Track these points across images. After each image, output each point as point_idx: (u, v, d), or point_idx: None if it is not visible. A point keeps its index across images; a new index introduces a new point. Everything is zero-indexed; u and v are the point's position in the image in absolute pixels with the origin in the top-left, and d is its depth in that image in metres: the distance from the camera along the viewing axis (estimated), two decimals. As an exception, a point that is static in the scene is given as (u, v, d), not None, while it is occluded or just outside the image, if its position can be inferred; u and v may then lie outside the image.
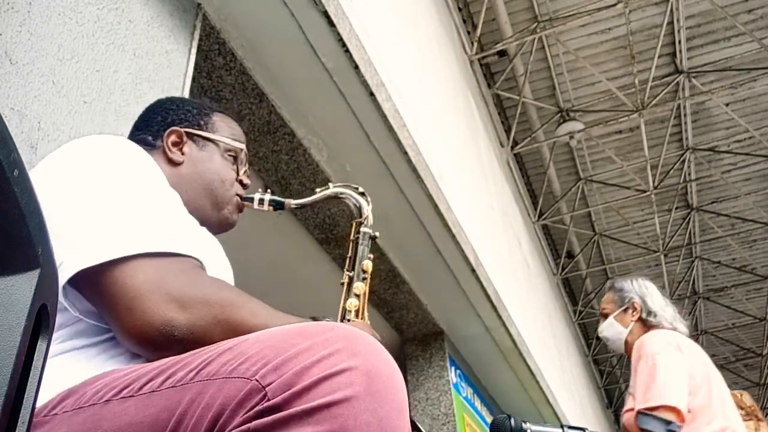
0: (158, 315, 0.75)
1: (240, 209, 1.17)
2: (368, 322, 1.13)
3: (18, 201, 0.39)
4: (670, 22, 6.06)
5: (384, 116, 2.55)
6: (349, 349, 0.60)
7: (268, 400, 0.57)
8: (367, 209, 1.28)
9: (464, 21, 5.89)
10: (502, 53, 6.17)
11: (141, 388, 0.65)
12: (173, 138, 1.10)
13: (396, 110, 2.66)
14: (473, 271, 3.54)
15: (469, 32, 5.95)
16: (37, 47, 1.29)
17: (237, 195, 1.16)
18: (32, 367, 0.41)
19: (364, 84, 2.40)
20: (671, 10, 5.89)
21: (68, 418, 0.67)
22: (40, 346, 0.42)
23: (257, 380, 0.58)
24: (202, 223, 1.06)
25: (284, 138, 2.52)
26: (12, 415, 0.38)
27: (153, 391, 0.64)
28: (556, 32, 6.09)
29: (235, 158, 1.16)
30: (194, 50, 1.88)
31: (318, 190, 1.29)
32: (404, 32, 3.55)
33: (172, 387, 0.63)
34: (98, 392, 0.68)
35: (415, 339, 4.11)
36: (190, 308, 0.77)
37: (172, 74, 1.74)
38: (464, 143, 4.61)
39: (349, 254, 1.22)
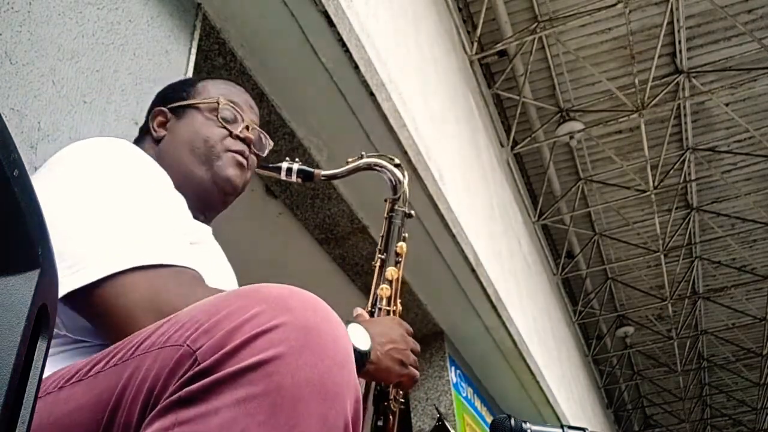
0: None
1: (239, 165, 1.06)
2: (400, 310, 1.06)
3: (18, 201, 0.39)
4: (670, 22, 6.06)
5: (384, 116, 2.55)
6: (281, 305, 0.57)
7: (199, 364, 0.54)
8: (404, 184, 1.17)
9: (464, 21, 5.88)
10: (502, 53, 6.17)
11: (89, 371, 0.65)
12: (159, 118, 1.09)
13: (396, 110, 2.66)
14: (473, 271, 3.53)
15: (469, 32, 5.95)
16: (37, 47, 1.29)
17: (234, 150, 1.05)
18: (32, 367, 0.41)
19: (364, 84, 2.40)
20: (671, 10, 5.88)
21: None
22: (40, 346, 0.42)
23: (188, 345, 0.56)
24: (200, 195, 1.02)
25: (284, 138, 2.52)
26: (12, 415, 0.38)
27: (98, 373, 0.64)
28: (556, 32, 6.08)
29: (220, 116, 1.07)
30: (194, 50, 1.88)
31: (350, 159, 1.18)
32: (404, 32, 3.55)
33: (114, 366, 0.63)
34: (55, 381, 0.68)
35: (414, 339, 4.10)
36: None
37: (172, 74, 1.74)
38: (464, 143, 4.61)
39: (381, 233, 1.12)
